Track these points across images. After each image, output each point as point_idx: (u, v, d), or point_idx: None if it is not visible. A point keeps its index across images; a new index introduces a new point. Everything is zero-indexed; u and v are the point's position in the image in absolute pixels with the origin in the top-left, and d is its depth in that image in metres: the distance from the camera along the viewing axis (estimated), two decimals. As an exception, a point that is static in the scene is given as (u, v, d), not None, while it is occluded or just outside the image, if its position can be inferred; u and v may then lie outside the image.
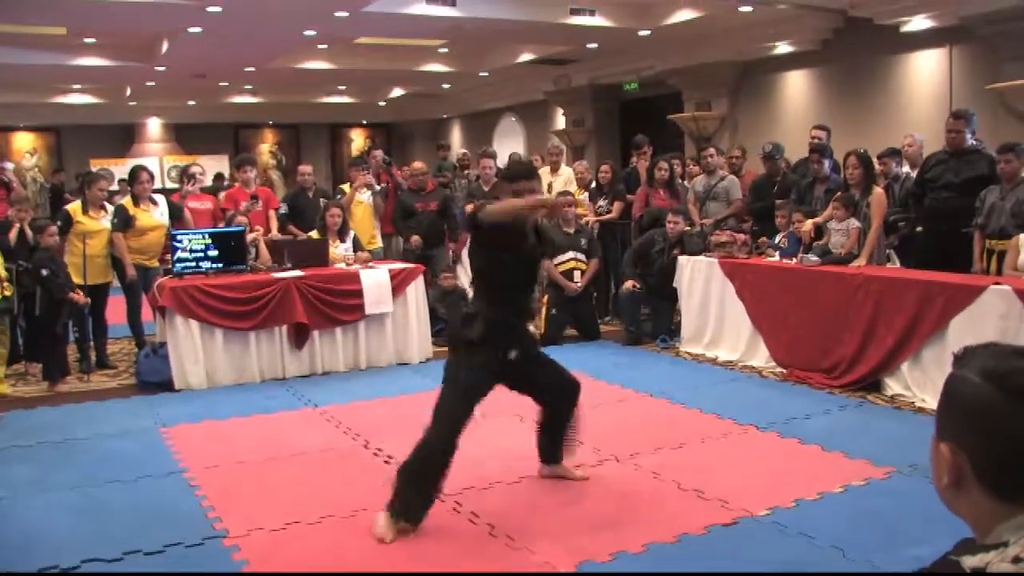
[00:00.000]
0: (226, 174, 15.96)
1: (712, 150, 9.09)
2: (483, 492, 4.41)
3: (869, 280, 6.20)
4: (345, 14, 9.68)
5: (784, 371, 6.77)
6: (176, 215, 7.88)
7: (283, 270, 7.35)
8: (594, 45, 12.35)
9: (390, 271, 7.46)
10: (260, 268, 7.54)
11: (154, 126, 19.59)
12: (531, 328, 8.12)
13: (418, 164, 9.62)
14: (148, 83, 15.19)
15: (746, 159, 9.65)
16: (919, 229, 7.07)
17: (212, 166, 16.30)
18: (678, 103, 12.93)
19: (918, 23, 9.31)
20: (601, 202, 9.39)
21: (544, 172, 10.44)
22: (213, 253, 7.20)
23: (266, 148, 21.21)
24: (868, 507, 4.09)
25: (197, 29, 10.19)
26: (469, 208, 9.49)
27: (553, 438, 4.56)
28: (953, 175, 6.63)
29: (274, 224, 8.61)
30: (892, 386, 6.05)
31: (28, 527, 4.12)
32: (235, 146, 20.23)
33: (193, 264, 7.13)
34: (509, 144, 16.81)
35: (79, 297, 7.01)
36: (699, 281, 7.65)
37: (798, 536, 3.78)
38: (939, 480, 1.20)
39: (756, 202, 8.47)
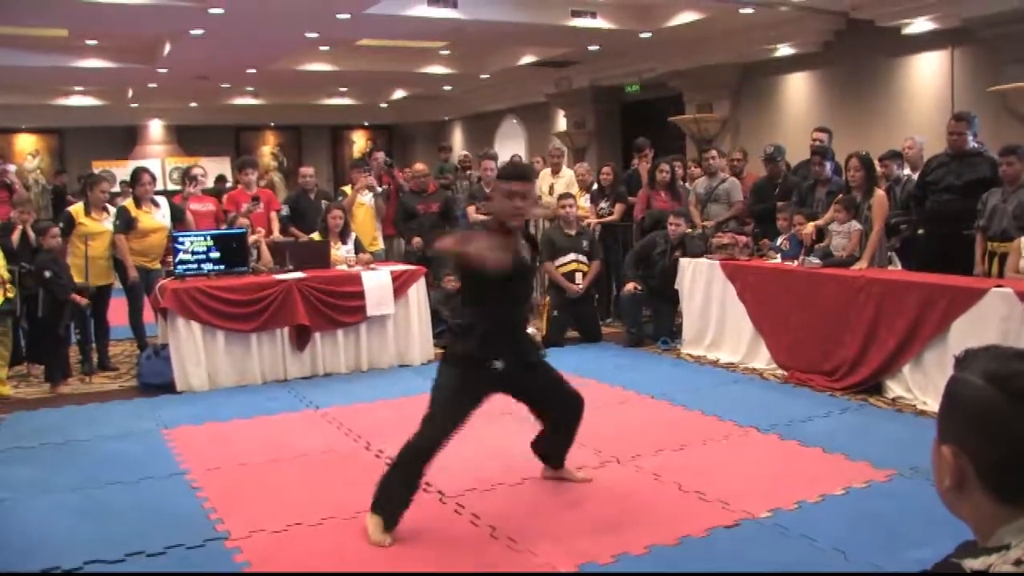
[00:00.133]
0: (228, 176, 15.99)
1: (714, 152, 9.09)
2: (485, 494, 4.42)
3: (870, 282, 6.20)
4: (347, 16, 9.69)
5: (785, 373, 6.77)
6: (178, 217, 7.88)
7: (285, 272, 7.36)
8: (595, 47, 12.35)
9: (392, 273, 7.47)
10: (262, 270, 7.55)
11: (156, 128, 19.60)
12: (532, 331, 8.14)
13: (420, 166, 9.63)
14: (150, 85, 15.19)
15: (747, 161, 9.66)
16: (920, 231, 7.07)
17: (214, 168, 16.33)
18: (679, 105, 12.93)
19: (920, 25, 9.31)
20: (602, 204, 9.39)
21: (545, 174, 10.45)
22: (215, 255, 7.20)
23: (267, 150, 21.22)
24: (869, 509, 4.09)
25: (199, 31, 10.20)
26: (470, 210, 9.56)
27: (555, 445, 4.54)
28: (955, 177, 6.63)
29: (276, 226, 8.61)
30: (893, 388, 6.05)
31: (30, 528, 4.13)
32: (236, 148, 20.25)
33: (195, 266, 7.13)
34: (510, 146, 16.81)
35: (81, 298, 7.03)
36: (700, 283, 7.65)
37: (799, 538, 3.78)
38: (941, 482, 1.20)
39: (757, 204, 8.47)
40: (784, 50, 11.04)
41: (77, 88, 16.63)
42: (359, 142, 22.13)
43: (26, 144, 19.07)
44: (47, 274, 6.82)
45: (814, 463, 4.80)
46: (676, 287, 7.89)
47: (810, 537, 3.77)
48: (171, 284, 6.91)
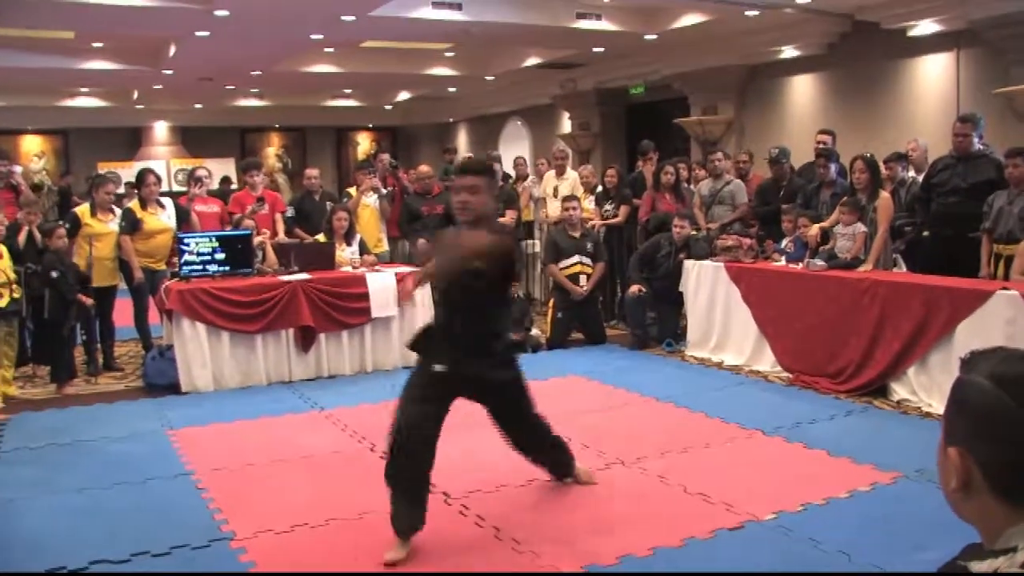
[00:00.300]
0: (233, 177, 16.00)
1: (720, 154, 9.09)
2: (489, 495, 4.42)
3: (875, 284, 6.20)
4: (352, 18, 9.70)
5: (790, 376, 6.76)
6: (183, 218, 7.90)
7: (290, 273, 7.37)
8: (600, 49, 12.34)
9: (396, 274, 7.47)
10: (267, 271, 7.56)
11: (161, 129, 19.63)
12: (536, 332, 8.13)
13: (424, 168, 9.63)
14: (155, 86, 15.21)
15: (753, 163, 9.64)
16: (925, 233, 7.06)
17: (218, 169, 16.31)
18: (684, 107, 12.93)
19: (925, 27, 9.29)
20: (607, 206, 9.40)
21: (550, 176, 10.47)
22: (220, 256, 7.22)
23: (272, 151, 21.23)
24: (874, 512, 4.09)
25: (204, 33, 10.22)
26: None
27: (540, 465, 4.45)
28: (961, 179, 6.62)
29: (281, 227, 8.62)
30: (898, 391, 6.04)
31: (36, 528, 4.14)
32: (241, 149, 20.26)
33: (200, 267, 7.15)
34: (515, 148, 16.81)
35: (86, 298, 7.05)
36: (705, 285, 7.65)
37: (804, 541, 3.78)
38: (947, 485, 1.20)
39: (762, 206, 8.46)
40: (789, 52, 11.03)
41: (82, 89, 16.66)
42: (364, 144, 22.14)
43: (32, 145, 19.11)
44: (54, 275, 6.84)
45: (819, 466, 4.79)
46: (680, 289, 7.90)
47: (815, 540, 3.77)
48: (176, 285, 6.93)
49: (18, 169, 10.67)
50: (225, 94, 17.33)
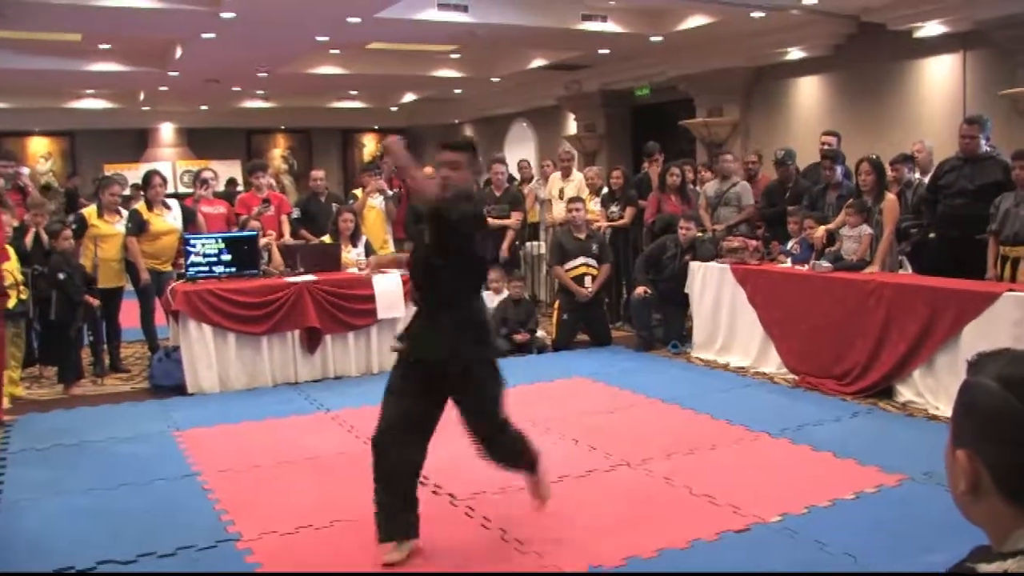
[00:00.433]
0: (239, 179, 16.03)
1: (729, 156, 9.08)
2: (495, 496, 4.42)
3: (881, 286, 6.19)
4: (358, 20, 9.71)
5: (796, 377, 6.75)
6: (189, 219, 7.92)
7: (296, 275, 7.38)
8: (606, 51, 12.35)
9: (402, 276, 7.47)
10: (273, 273, 7.58)
11: (167, 131, 19.68)
12: (541, 334, 8.14)
13: (429, 170, 9.59)
14: (161, 88, 15.25)
15: (762, 163, 9.61)
16: (932, 235, 7.05)
17: (224, 171, 16.35)
18: (690, 109, 12.93)
19: (931, 28, 9.27)
20: (613, 208, 9.39)
21: (555, 178, 10.47)
22: (226, 257, 7.23)
23: (278, 153, 21.27)
24: (881, 514, 4.08)
25: (210, 35, 10.24)
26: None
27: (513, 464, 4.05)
28: (967, 181, 6.61)
29: (287, 229, 8.64)
30: (904, 393, 6.03)
31: (43, 529, 4.15)
32: (247, 151, 20.30)
33: (206, 268, 7.16)
34: (521, 149, 16.82)
35: (92, 299, 7.07)
36: (711, 287, 7.65)
37: (810, 543, 3.77)
38: (955, 487, 1.20)
39: (768, 208, 8.46)
40: (795, 53, 11.03)
41: (89, 91, 16.71)
42: (369, 145, 22.17)
43: (38, 147, 19.18)
44: (60, 276, 6.86)
45: (825, 467, 4.79)
46: (686, 291, 7.89)
47: (821, 542, 3.77)
48: (182, 286, 6.94)
49: (25, 171, 10.69)
50: (231, 96, 17.37)
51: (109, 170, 15.90)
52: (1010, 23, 8.42)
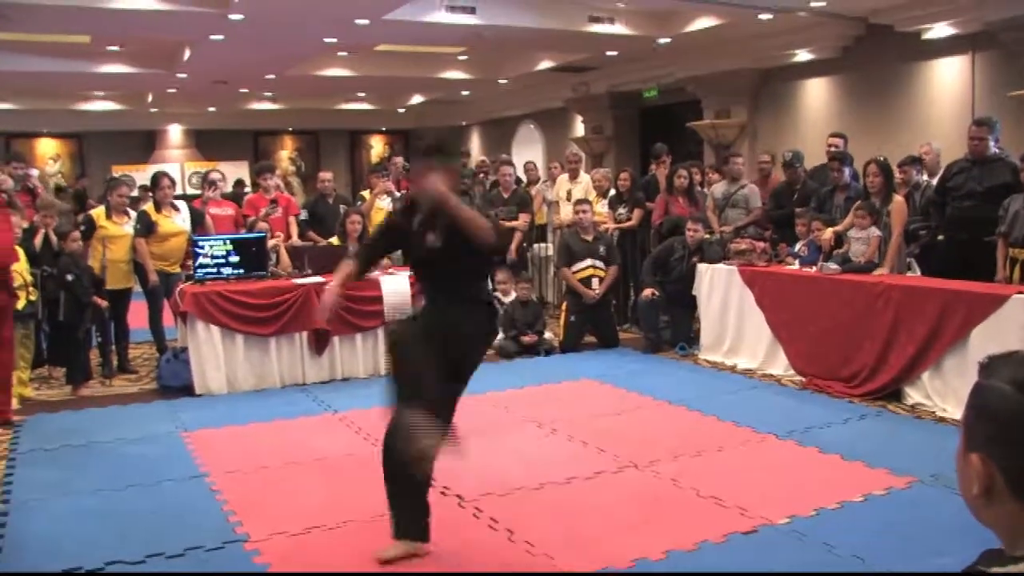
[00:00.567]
0: (246, 180, 16.06)
1: (739, 158, 9.07)
2: (502, 498, 4.42)
3: (890, 288, 6.18)
4: (366, 21, 9.73)
5: (803, 379, 6.74)
6: (198, 221, 7.94)
7: (303, 276, 7.39)
8: (613, 53, 12.35)
9: (410, 277, 7.48)
10: (281, 274, 7.59)
11: (175, 132, 19.73)
12: (549, 336, 8.16)
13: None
14: (170, 90, 15.29)
15: (774, 164, 9.55)
16: (940, 237, 7.03)
17: (232, 172, 16.37)
18: (697, 111, 12.91)
19: (940, 30, 9.25)
20: (620, 209, 9.39)
21: (563, 180, 10.47)
22: (234, 259, 7.25)
23: (286, 155, 21.30)
24: (889, 517, 4.08)
25: (219, 37, 10.27)
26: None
27: None
28: (976, 183, 6.59)
29: (294, 230, 8.65)
30: (912, 395, 6.02)
31: (52, 529, 4.17)
32: (255, 153, 20.33)
33: (214, 270, 7.18)
34: (528, 151, 16.82)
35: (101, 300, 7.10)
36: (718, 289, 7.64)
37: (818, 545, 3.77)
38: (968, 490, 1.19)
39: (776, 210, 8.44)
40: (803, 55, 11.01)
41: (97, 93, 16.76)
42: (377, 147, 22.20)
43: (47, 148, 19.24)
44: (69, 277, 6.88)
45: (833, 470, 4.78)
46: (694, 293, 7.89)
47: (829, 544, 3.76)
48: (191, 288, 6.96)
49: (34, 172, 10.74)
50: (239, 97, 17.41)
51: (117, 171, 15.94)
52: (1019, 24, 8.39)
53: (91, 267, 7.28)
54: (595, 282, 8.35)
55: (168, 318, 7.71)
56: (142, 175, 14.39)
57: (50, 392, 7.12)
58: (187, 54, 11.79)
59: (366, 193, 9.46)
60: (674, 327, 8.26)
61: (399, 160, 10.18)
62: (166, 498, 4.57)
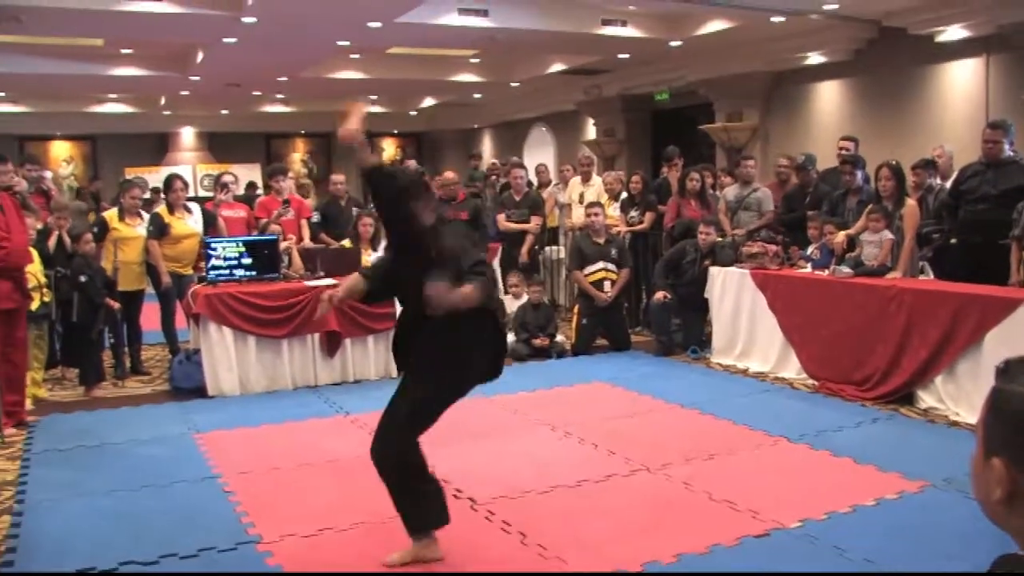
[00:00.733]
0: (258, 183, 16.12)
1: (751, 161, 9.04)
2: (515, 501, 4.42)
3: (902, 292, 6.16)
4: (378, 24, 9.75)
5: (816, 383, 6.72)
6: (210, 223, 7.98)
7: (316, 278, 7.41)
8: (625, 56, 12.35)
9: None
10: (293, 276, 7.61)
11: (188, 135, 19.82)
12: (561, 338, 8.16)
13: (449, 174, 9.67)
14: (182, 92, 15.37)
15: (792, 167, 9.48)
16: (953, 241, 7.00)
17: (244, 175, 16.43)
18: (709, 113, 12.90)
19: (953, 33, 9.22)
20: (632, 212, 9.38)
21: (575, 182, 10.48)
22: (247, 261, 7.27)
23: (298, 157, 21.37)
24: (901, 521, 4.06)
25: (232, 39, 10.31)
26: (499, 218, 9.60)
27: None
28: (990, 187, 6.55)
29: (307, 233, 8.68)
30: (925, 399, 5.99)
31: (65, 529, 4.19)
32: (267, 155, 20.40)
33: (227, 272, 7.21)
34: (540, 154, 16.82)
35: (113, 302, 7.13)
36: (730, 292, 7.62)
37: (830, 549, 3.76)
38: (989, 495, 1.17)
39: (788, 213, 8.42)
40: (815, 58, 10.99)
41: (111, 96, 16.85)
42: (389, 150, 22.23)
43: (60, 151, 19.36)
44: (82, 278, 6.92)
45: (845, 473, 4.77)
46: (706, 296, 7.87)
47: (840, 548, 3.75)
48: (203, 290, 6.98)
49: (48, 174, 10.81)
50: (251, 100, 17.48)
51: (130, 174, 16.02)
52: (1033, 27, 8.36)
53: (104, 268, 7.32)
54: (607, 285, 8.34)
55: (180, 320, 7.73)
56: (155, 177, 14.47)
57: (63, 393, 7.16)
58: (200, 57, 11.84)
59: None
60: (686, 330, 8.25)
61: (412, 163, 10.21)
62: (179, 499, 4.59)
